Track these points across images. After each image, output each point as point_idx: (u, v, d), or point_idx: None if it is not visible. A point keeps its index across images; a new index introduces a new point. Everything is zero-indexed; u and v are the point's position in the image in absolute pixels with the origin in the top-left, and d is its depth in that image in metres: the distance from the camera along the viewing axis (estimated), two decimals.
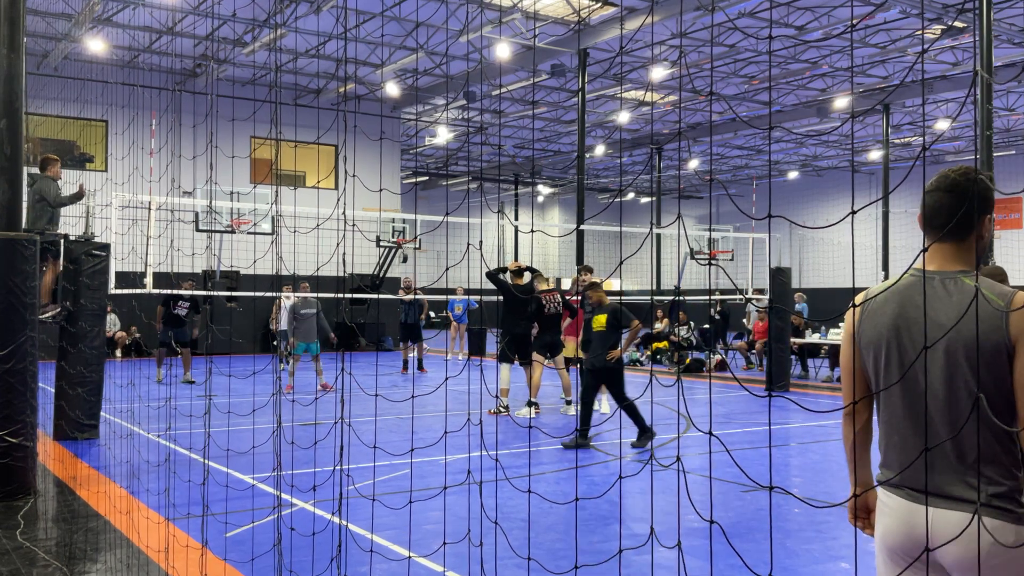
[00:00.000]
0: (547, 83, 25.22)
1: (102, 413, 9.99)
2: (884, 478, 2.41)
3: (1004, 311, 2.16)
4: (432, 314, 18.18)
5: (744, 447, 9.56)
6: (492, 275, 11.73)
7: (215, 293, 19.49)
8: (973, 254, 2.36)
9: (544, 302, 11.47)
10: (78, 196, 9.88)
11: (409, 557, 4.88)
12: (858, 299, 2.51)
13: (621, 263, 2.79)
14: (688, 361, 18.38)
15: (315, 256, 7.38)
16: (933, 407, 2.25)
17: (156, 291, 12.35)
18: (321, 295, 14.45)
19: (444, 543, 5.02)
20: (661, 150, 33.02)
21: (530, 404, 11.49)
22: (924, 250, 2.30)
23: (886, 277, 22.06)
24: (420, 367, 17.41)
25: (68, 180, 18.21)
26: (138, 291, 11.82)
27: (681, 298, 21.23)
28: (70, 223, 14.26)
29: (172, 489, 6.38)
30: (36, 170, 9.77)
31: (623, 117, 29.16)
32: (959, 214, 2.32)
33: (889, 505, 2.38)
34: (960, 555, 2.17)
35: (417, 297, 17.28)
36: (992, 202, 2.39)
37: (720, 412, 12.34)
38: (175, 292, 14.54)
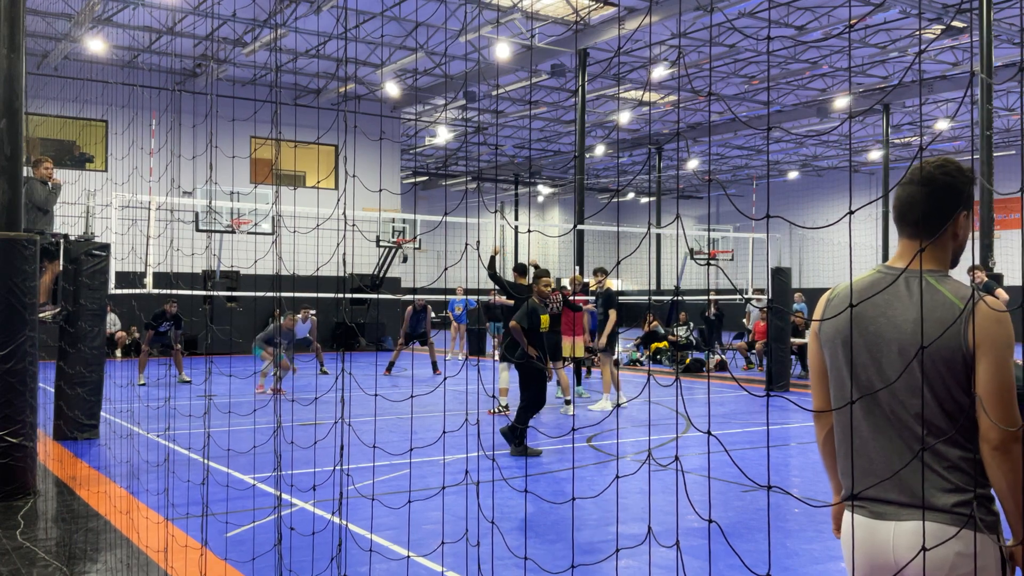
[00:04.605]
0: (547, 83, 25.23)
1: (102, 413, 9.99)
2: (845, 489, 2.29)
3: (965, 316, 2.07)
4: (432, 314, 18.16)
5: (744, 447, 9.56)
6: (492, 275, 11.74)
7: (215, 293, 19.50)
8: (947, 253, 2.26)
9: (548, 302, 11.37)
10: (56, 190, 9.84)
11: (408, 557, 4.88)
12: (825, 295, 2.42)
13: (619, 263, 2.79)
14: (688, 361, 18.38)
15: (315, 256, 7.39)
16: (890, 408, 2.18)
17: (156, 291, 12.35)
18: (321, 295, 14.47)
19: (442, 543, 5.02)
20: (661, 150, 33.03)
21: (568, 403, 11.50)
22: (922, 250, 2.20)
23: None
24: (435, 369, 17.29)
25: (68, 180, 18.27)
26: (138, 291, 11.82)
27: (680, 298, 21.25)
28: (70, 223, 14.29)
29: (172, 489, 6.39)
30: (31, 171, 9.78)
31: (623, 117, 29.17)
32: (942, 210, 2.19)
33: (848, 524, 2.27)
34: (929, 567, 2.06)
35: (426, 298, 17.18)
36: (971, 198, 2.25)
37: (720, 412, 12.34)
38: (161, 310, 14.84)
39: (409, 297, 16.90)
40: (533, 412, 9.08)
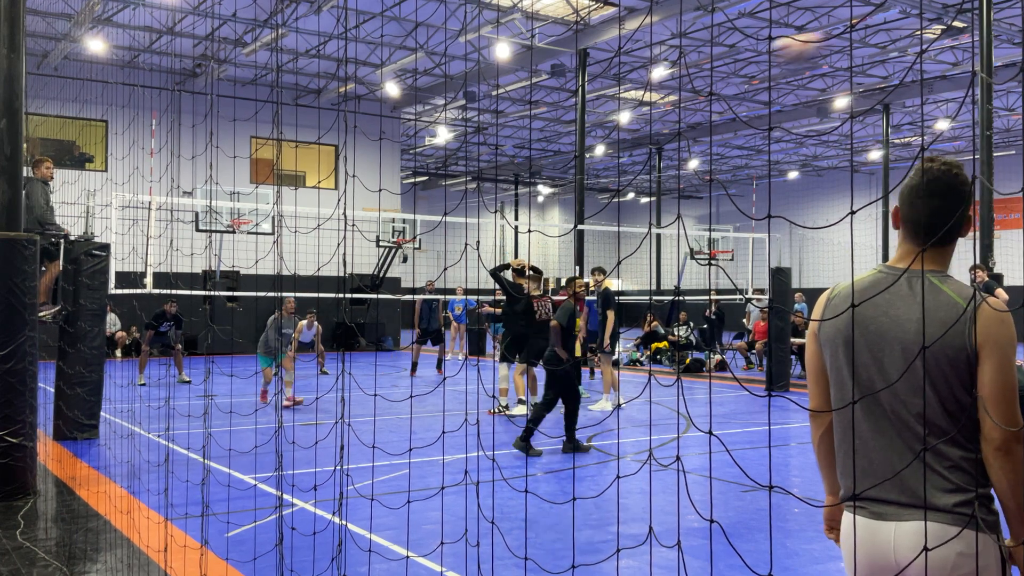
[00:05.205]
0: (547, 83, 25.22)
1: (102, 413, 9.99)
2: (844, 489, 2.28)
3: (968, 316, 2.07)
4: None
5: (744, 447, 9.56)
6: (495, 272, 11.73)
7: (215, 293, 19.48)
8: (948, 254, 2.26)
9: (535, 307, 11.27)
10: (62, 233, 9.82)
11: (408, 557, 4.88)
12: (824, 295, 2.41)
13: (619, 263, 2.79)
14: (688, 361, 18.38)
15: (315, 256, 7.39)
16: (891, 408, 2.17)
17: (156, 291, 12.34)
18: (322, 295, 14.45)
19: (442, 543, 5.02)
20: (661, 150, 33.03)
21: (521, 402, 11.42)
22: (923, 250, 2.19)
23: None
24: (439, 368, 17.20)
25: (67, 180, 18.26)
26: (138, 291, 11.81)
27: (681, 298, 21.25)
28: (70, 223, 14.28)
29: (172, 489, 6.38)
30: (30, 172, 9.76)
31: (623, 117, 29.17)
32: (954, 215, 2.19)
33: (848, 524, 2.26)
34: (930, 567, 2.06)
35: (436, 298, 17.03)
36: (971, 197, 2.26)
37: (720, 412, 12.34)
38: (161, 310, 14.82)
39: (409, 297, 16.87)
40: (573, 414, 9.10)
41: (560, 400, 9.20)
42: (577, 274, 17.05)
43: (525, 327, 11.18)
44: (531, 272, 12.02)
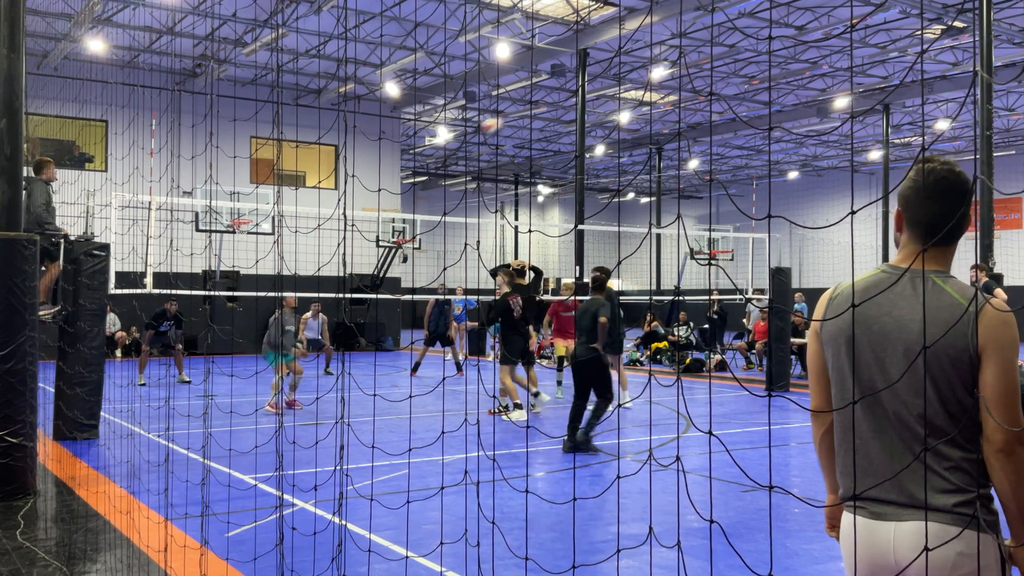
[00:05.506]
0: (547, 83, 25.22)
1: (102, 413, 9.99)
2: (844, 489, 2.29)
3: (971, 316, 2.07)
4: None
5: (744, 447, 9.56)
6: (495, 273, 11.73)
7: (215, 293, 19.49)
8: (951, 254, 2.26)
9: (511, 306, 11.09)
10: (59, 231, 9.81)
11: (407, 557, 4.88)
12: (826, 294, 2.41)
13: (619, 263, 2.79)
14: (688, 361, 18.38)
15: (315, 256, 7.38)
16: (892, 408, 2.17)
17: (156, 291, 12.32)
18: (322, 295, 14.45)
19: (441, 543, 5.02)
20: (661, 150, 33.03)
21: (517, 406, 11.37)
22: (924, 250, 2.20)
23: None
24: (459, 370, 17.05)
25: (67, 180, 18.26)
26: (138, 291, 11.81)
27: (681, 298, 21.26)
28: (70, 223, 14.28)
29: (171, 489, 6.38)
30: (32, 172, 9.74)
31: (623, 117, 29.16)
32: (956, 217, 2.19)
33: (848, 524, 2.27)
34: (930, 567, 2.06)
35: (448, 298, 16.88)
36: (971, 197, 2.27)
37: (720, 412, 12.33)
38: (162, 309, 14.83)
39: (408, 297, 16.84)
40: (578, 414, 9.13)
41: (575, 394, 9.21)
42: (578, 274, 17.05)
43: (508, 328, 11.10)
44: (528, 271, 12.01)
